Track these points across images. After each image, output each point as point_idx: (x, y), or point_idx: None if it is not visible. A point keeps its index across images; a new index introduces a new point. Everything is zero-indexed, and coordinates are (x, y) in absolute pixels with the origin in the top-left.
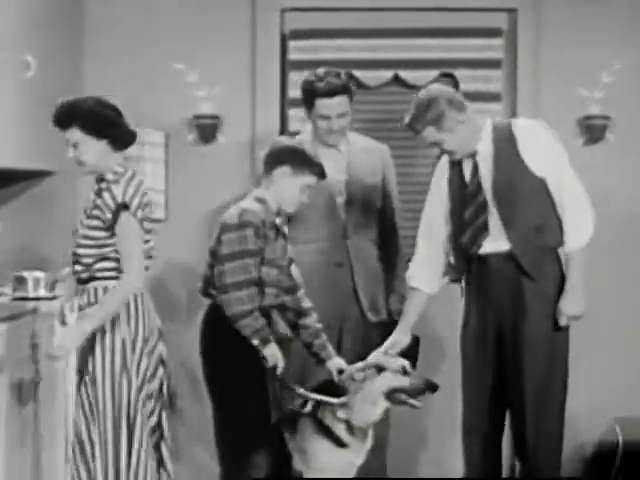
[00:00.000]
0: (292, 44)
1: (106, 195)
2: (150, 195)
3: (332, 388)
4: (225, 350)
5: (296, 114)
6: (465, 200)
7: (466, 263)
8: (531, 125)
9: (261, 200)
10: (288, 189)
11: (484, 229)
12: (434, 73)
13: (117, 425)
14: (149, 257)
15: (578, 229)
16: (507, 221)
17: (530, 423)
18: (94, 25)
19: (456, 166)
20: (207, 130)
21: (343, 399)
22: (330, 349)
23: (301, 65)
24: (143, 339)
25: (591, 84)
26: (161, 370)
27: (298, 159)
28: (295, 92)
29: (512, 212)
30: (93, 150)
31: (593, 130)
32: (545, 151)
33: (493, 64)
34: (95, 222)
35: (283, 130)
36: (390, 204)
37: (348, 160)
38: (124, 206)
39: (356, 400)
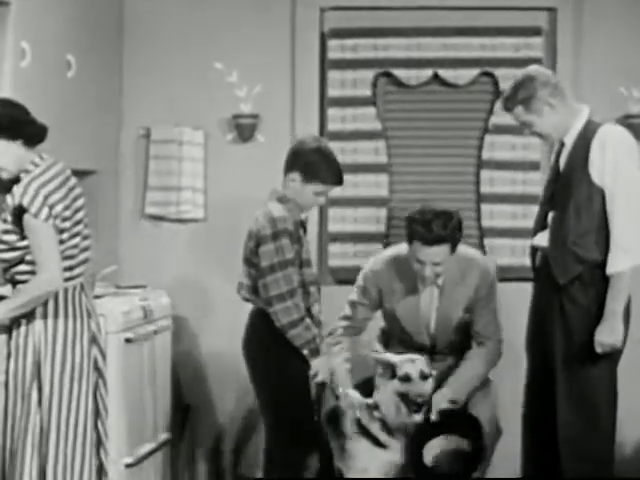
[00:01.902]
0: (331, 43)
1: (9, 197)
2: (69, 192)
3: (368, 387)
4: (272, 353)
5: (335, 113)
6: (545, 187)
7: (532, 252)
8: (612, 133)
9: (283, 200)
10: (299, 194)
11: (543, 219)
12: (474, 72)
13: (24, 436)
14: (70, 257)
15: (620, 252)
16: (556, 219)
17: (562, 442)
18: (134, 25)
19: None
20: (246, 129)
21: (374, 399)
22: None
23: (340, 64)
24: (63, 344)
25: (631, 83)
26: (94, 377)
27: (308, 169)
28: (334, 91)
29: (563, 212)
30: (9, 152)
31: (633, 129)
32: (609, 162)
33: (533, 63)
34: (4, 225)
35: (322, 129)
36: (480, 322)
37: (440, 295)
38: (22, 208)
39: (381, 401)
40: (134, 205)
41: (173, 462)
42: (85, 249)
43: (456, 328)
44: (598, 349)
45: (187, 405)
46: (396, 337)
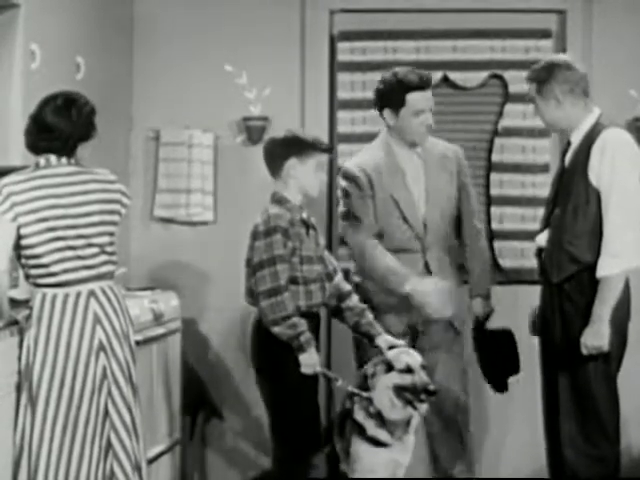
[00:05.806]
0: (341, 45)
1: None
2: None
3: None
4: (274, 353)
5: (345, 116)
6: (551, 185)
7: (538, 252)
8: (614, 136)
9: (282, 201)
10: (304, 177)
11: (547, 219)
12: (483, 74)
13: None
14: (53, 263)
15: (610, 256)
16: (556, 217)
17: (563, 441)
18: (143, 27)
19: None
20: (256, 132)
21: (369, 393)
22: (378, 326)
23: (350, 67)
24: (54, 351)
25: None
26: (106, 385)
27: (298, 146)
28: (344, 94)
29: (563, 211)
30: None
31: None
32: (607, 165)
33: None
34: None
35: (332, 132)
36: (468, 207)
37: (425, 168)
38: None
39: (376, 396)
40: (144, 207)
41: (183, 463)
42: (89, 257)
43: (444, 217)
44: (583, 351)
45: (197, 407)
46: (389, 235)
